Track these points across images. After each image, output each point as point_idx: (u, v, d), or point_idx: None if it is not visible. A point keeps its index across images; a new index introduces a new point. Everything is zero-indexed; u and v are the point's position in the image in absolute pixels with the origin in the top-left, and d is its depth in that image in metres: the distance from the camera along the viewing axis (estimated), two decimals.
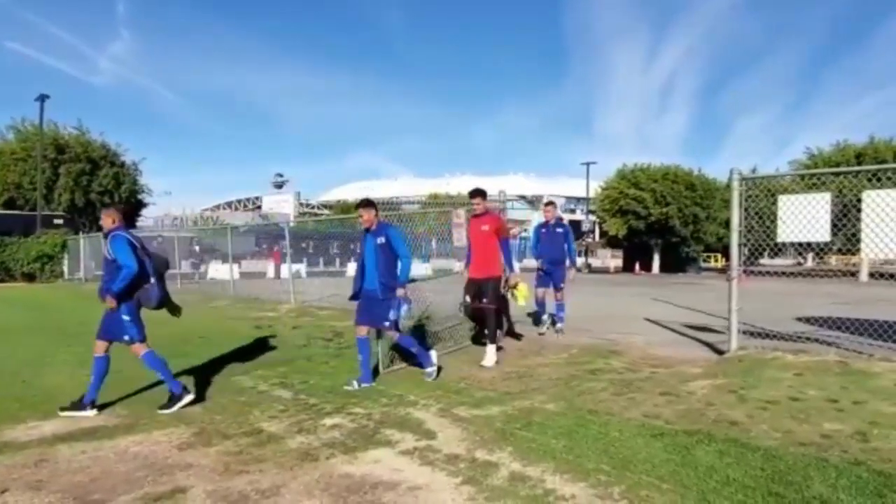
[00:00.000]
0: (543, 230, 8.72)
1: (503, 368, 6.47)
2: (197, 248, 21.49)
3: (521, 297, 7.14)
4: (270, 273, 27.10)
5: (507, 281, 6.87)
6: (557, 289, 8.54)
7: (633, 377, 5.85)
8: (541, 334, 8.42)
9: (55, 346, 8.29)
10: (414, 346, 6.09)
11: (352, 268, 34.37)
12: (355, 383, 5.71)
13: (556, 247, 8.54)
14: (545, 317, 8.63)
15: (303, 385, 5.88)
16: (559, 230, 8.61)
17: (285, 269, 21.26)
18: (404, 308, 5.98)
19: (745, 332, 6.71)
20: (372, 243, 5.87)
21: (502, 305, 7.18)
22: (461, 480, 3.42)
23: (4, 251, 25.58)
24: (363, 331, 5.91)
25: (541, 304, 8.58)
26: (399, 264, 5.88)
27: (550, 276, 8.53)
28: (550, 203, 8.88)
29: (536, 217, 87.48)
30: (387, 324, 5.85)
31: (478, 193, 6.89)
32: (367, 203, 6.05)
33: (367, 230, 5.92)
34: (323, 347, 7.98)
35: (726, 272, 6.85)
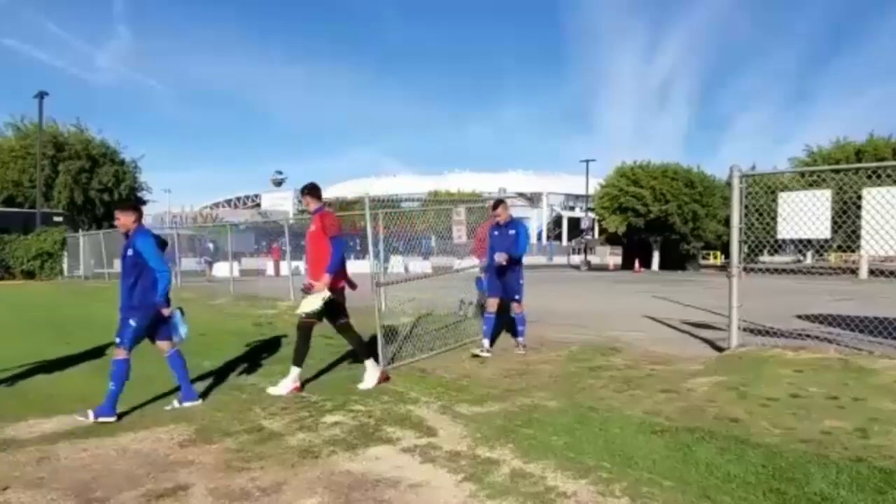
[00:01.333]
0: (496, 232, 7.35)
1: (504, 366, 6.47)
2: (210, 245, 21.18)
3: (307, 304, 5.56)
4: (270, 271, 27.01)
5: (308, 287, 5.61)
6: (513, 300, 7.33)
7: (633, 374, 5.85)
8: (475, 355, 6.87)
9: (55, 344, 8.29)
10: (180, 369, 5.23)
11: (352, 265, 34.39)
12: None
13: (507, 251, 7.09)
14: (487, 338, 7.11)
15: (303, 382, 5.88)
16: (511, 231, 7.27)
17: (285, 266, 21.21)
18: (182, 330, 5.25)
19: (745, 329, 6.71)
20: (123, 253, 5.10)
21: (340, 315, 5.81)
22: (462, 477, 3.42)
23: (4, 249, 25.59)
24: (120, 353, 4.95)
25: (489, 317, 7.17)
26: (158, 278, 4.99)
27: (503, 284, 7.19)
28: (501, 202, 7.46)
29: (536, 215, 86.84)
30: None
31: (307, 191, 5.85)
32: (124, 206, 5.23)
33: (126, 234, 5.09)
34: (323, 344, 7.97)
35: (726, 269, 6.85)
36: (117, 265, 25.29)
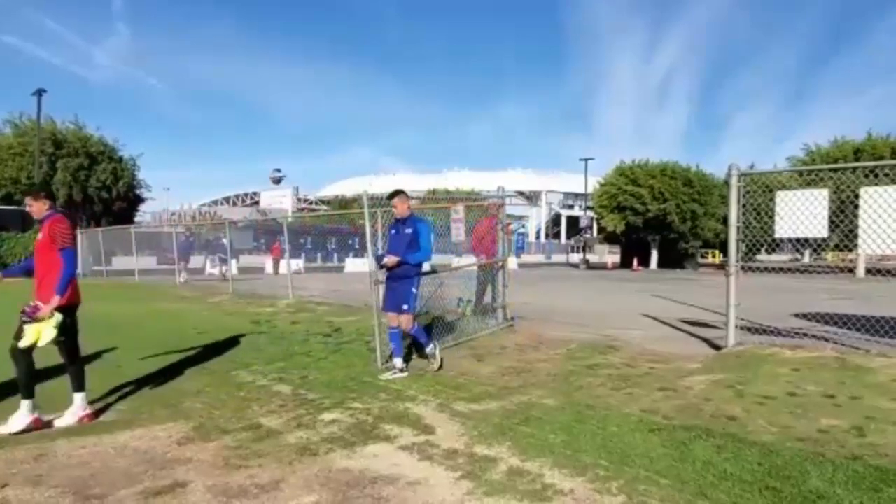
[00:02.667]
0: (393, 231, 6.22)
1: (502, 364, 6.48)
2: (225, 242, 20.91)
3: (35, 335, 4.39)
4: (269, 269, 26.85)
5: (32, 311, 4.43)
6: (400, 311, 6.02)
7: (631, 372, 5.86)
8: (386, 381, 5.83)
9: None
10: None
11: (350, 263, 34.41)
12: None
13: (402, 255, 5.98)
14: (399, 356, 6.10)
15: (301, 380, 5.89)
16: (408, 230, 5.99)
17: (284, 265, 21.12)
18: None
19: (742, 328, 6.72)
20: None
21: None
22: (460, 475, 3.43)
23: (2, 246, 25.52)
24: None
25: (392, 332, 6.12)
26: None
27: (393, 292, 6.09)
28: (397, 193, 6.16)
29: (535, 213, 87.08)
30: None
31: (34, 193, 4.80)
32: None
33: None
34: (321, 343, 7.98)
35: (724, 268, 6.86)
36: (116, 263, 25.23)
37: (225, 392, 5.49)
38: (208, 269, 23.30)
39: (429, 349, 6.20)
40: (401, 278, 6.00)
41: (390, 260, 5.94)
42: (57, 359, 4.69)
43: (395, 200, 6.10)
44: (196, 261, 23.84)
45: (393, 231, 6.20)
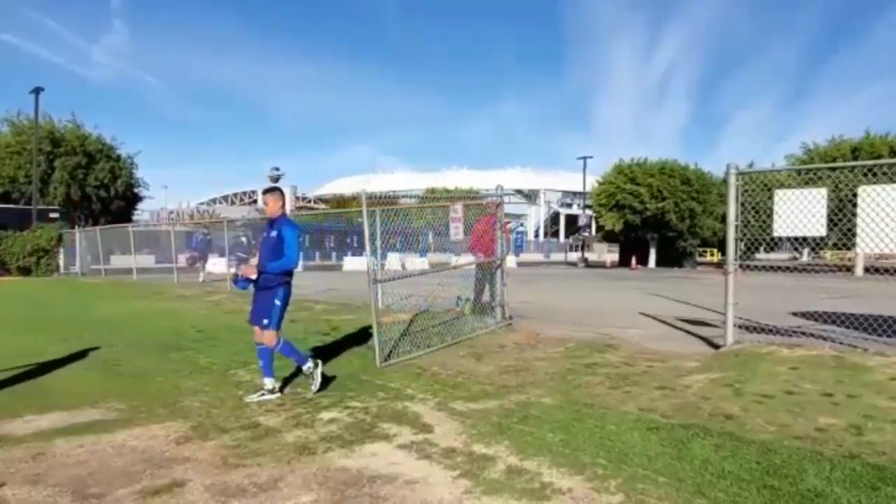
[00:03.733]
0: (264, 233, 5.51)
1: (500, 362, 6.48)
2: (244, 240, 20.57)
3: None
4: (243, 266, 26.35)
5: None
6: (260, 326, 5.30)
7: (629, 371, 5.87)
8: (271, 392, 5.27)
9: (51, 341, 8.27)
10: None
11: (349, 262, 34.40)
12: None
13: (263, 262, 5.29)
14: (268, 376, 5.31)
15: (300, 379, 5.88)
16: (273, 234, 5.30)
17: (241, 263, 20.73)
18: None
19: (740, 327, 6.73)
20: None
21: None
22: (458, 474, 3.43)
23: (0, 245, 25.48)
24: None
25: (260, 349, 5.34)
26: None
27: (256, 303, 5.38)
28: (269, 191, 5.53)
29: (534, 212, 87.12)
30: None
31: None
32: None
33: None
34: (319, 342, 7.97)
35: (722, 266, 6.87)
36: (114, 261, 25.18)
37: (223, 391, 5.48)
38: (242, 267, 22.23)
39: (306, 367, 5.38)
40: (263, 288, 5.27)
41: (242, 270, 5.32)
42: (57, 360, 4.67)
43: (266, 197, 5.43)
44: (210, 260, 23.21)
45: (264, 233, 5.48)
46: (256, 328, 5.33)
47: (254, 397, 5.16)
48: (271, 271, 5.18)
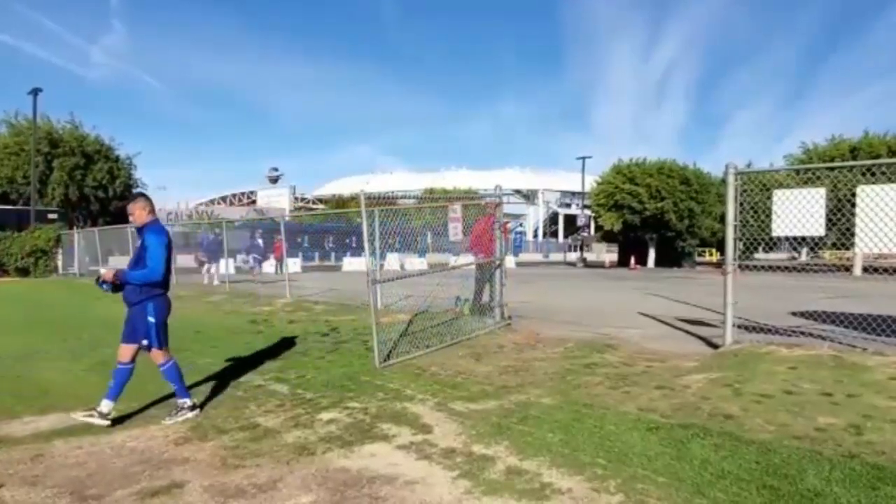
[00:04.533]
0: (139, 241, 4.86)
1: (500, 363, 6.48)
2: (260, 242, 20.18)
3: None
4: (270, 268, 26.28)
5: None
6: (138, 344, 4.65)
7: (628, 371, 5.87)
8: (93, 413, 4.51)
9: (50, 341, 8.27)
10: None
11: (348, 262, 34.40)
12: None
13: (127, 272, 4.69)
14: (109, 398, 4.55)
15: (299, 379, 5.88)
16: (137, 243, 4.84)
17: (289, 263, 20.46)
18: None
19: (739, 327, 6.73)
20: None
21: None
22: (458, 474, 3.43)
23: None
24: None
25: (119, 368, 4.63)
26: None
27: (127, 319, 4.70)
28: (134, 199, 4.91)
29: (532, 212, 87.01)
30: None
31: None
32: None
33: None
34: (319, 342, 7.97)
35: (721, 266, 6.87)
36: (113, 262, 25.10)
37: (222, 392, 5.48)
38: (256, 269, 21.33)
39: (181, 401, 4.77)
40: (131, 303, 4.67)
41: (109, 274, 4.65)
42: (56, 361, 4.66)
43: (131, 207, 4.83)
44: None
45: (139, 241, 4.90)
46: (122, 346, 4.66)
47: (81, 415, 4.50)
48: (131, 281, 4.60)
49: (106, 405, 4.54)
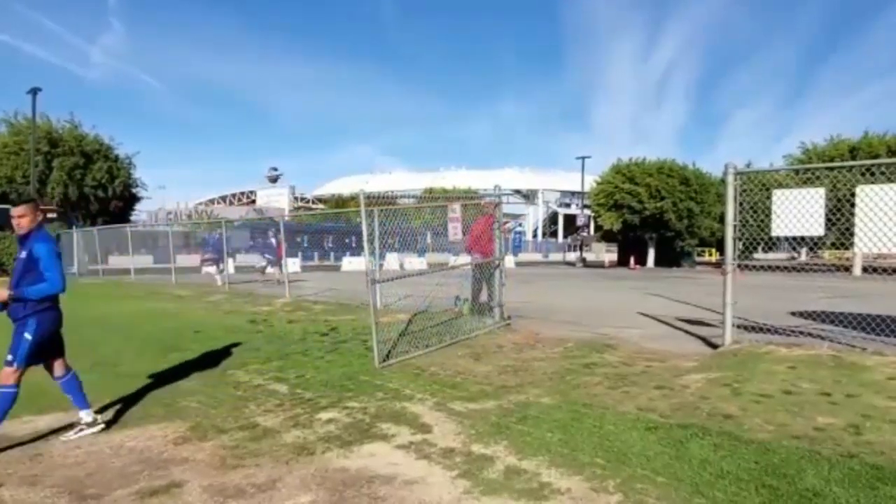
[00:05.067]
0: (20, 253, 4.32)
1: (499, 363, 6.48)
2: (273, 241, 20.11)
3: None
4: (270, 268, 26.17)
5: None
6: (7, 363, 4.10)
7: (627, 371, 5.87)
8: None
9: None
10: None
11: (347, 262, 34.38)
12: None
13: (13, 287, 4.16)
14: (87, 411, 4.41)
15: (298, 379, 5.88)
16: (23, 254, 4.25)
17: (290, 263, 20.36)
18: None
19: (739, 326, 6.74)
20: None
21: None
22: (457, 474, 3.43)
23: None
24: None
25: (68, 384, 4.45)
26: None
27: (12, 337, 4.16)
28: (18, 205, 4.35)
29: (532, 211, 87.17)
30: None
31: None
32: None
33: None
34: (318, 342, 7.97)
35: (721, 266, 6.87)
36: (112, 262, 25.11)
37: (221, 391, 5.48)
38: (268, 269, 21.15)
39: (84, 412, 4.41)
40: (15, 319, 4.17)
41: (2, 293, 4.08)
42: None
43: (21, 209, 4.29)
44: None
45: (20, 254, 4.30)
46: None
47: (71, 435, 4.28)
48: (31, 297, 4.10)
49: (86, 414, 4.39)
